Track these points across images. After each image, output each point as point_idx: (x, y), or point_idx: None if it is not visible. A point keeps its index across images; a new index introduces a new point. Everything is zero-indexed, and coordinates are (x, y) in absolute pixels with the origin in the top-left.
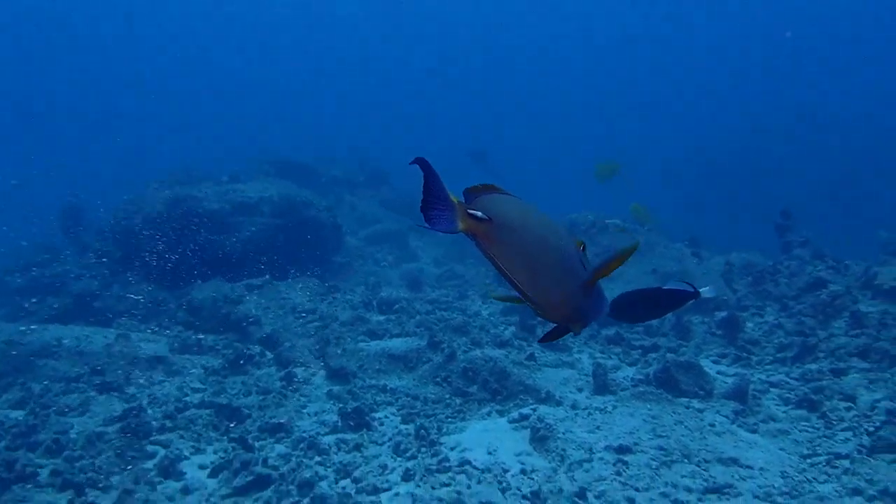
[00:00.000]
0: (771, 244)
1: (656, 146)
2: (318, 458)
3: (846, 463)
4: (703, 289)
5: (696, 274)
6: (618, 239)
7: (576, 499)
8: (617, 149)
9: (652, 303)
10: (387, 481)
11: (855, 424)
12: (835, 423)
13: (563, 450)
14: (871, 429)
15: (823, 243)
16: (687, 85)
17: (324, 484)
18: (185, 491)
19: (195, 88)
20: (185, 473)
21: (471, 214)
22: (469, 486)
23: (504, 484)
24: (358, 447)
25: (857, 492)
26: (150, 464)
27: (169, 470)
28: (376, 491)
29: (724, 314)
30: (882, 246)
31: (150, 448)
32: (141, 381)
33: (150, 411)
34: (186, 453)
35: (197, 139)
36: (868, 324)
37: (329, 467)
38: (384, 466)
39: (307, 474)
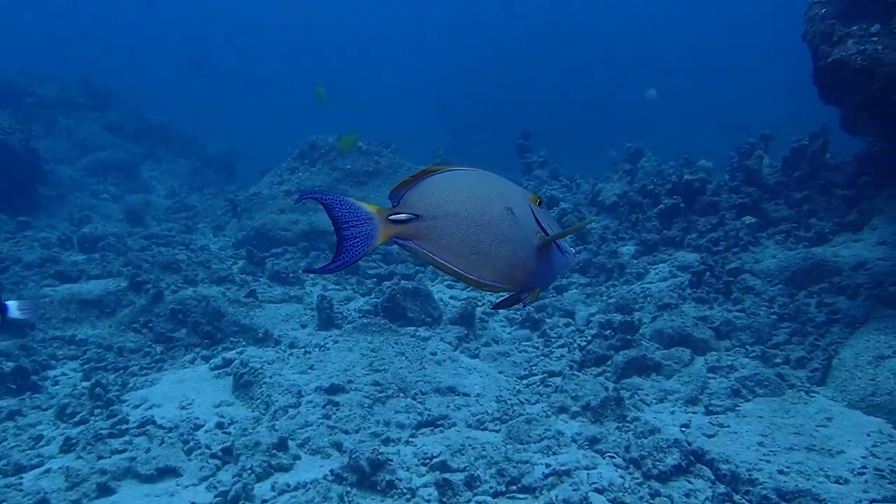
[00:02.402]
0: (517, 166)
1: (433, 79)
2: None
3: (558, 380)
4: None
5: None
6: (358, 162)
7: (275, 451)
8: (400, 83)
9: None
10: (38, 456)
11: (570, 340)
12: (553, 340)
13: (269, 396)
14: (584, 343)
15: (563, 163)
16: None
17: None
18: None
19: None
20: None
21: (393, 220)
22: (148, 450)
23: (192, 443)
24: (12, 416)
25: (563, 409)
26: None
27: None
28: (18, 470)
29: None
30: (610, 164)
31: None
32: None
33: None
34: None
35: None
36: (590, 239)
37: None
38: (39, 437)
39: None
